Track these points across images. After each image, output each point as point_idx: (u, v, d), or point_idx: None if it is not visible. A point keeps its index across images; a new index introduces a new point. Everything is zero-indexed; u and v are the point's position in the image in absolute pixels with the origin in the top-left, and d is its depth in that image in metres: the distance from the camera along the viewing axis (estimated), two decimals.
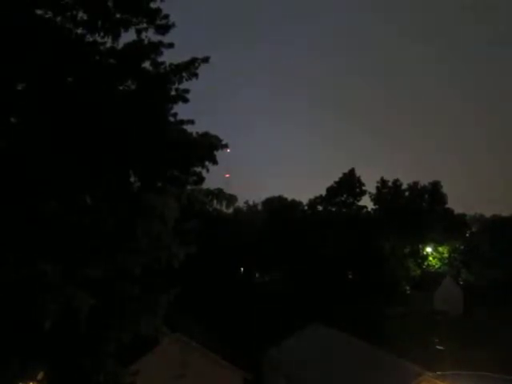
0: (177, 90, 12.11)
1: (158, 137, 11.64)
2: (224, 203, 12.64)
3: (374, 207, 72.68)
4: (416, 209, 69.61)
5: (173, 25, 11.58)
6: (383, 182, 72.99)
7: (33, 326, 8.70)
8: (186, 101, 12.32)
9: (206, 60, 11.84)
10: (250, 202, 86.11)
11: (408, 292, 64.04)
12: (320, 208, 71.57)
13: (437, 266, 69.83)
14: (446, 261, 70.38)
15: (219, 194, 12.58)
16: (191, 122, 12.54)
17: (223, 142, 12.37)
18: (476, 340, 37.13)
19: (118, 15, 11.29)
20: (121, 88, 11.90)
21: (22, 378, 10.18)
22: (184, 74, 11.79)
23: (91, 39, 11.50)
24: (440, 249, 70.25)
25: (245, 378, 26.38)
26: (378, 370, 24.22)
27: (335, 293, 50.73)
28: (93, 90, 11.11)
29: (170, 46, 11.74)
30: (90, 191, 11.33)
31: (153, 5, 11.44)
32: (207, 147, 12.16)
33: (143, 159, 11.72)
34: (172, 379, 23.16)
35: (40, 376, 11.30)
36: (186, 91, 12.20)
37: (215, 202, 12.73)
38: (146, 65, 11.87)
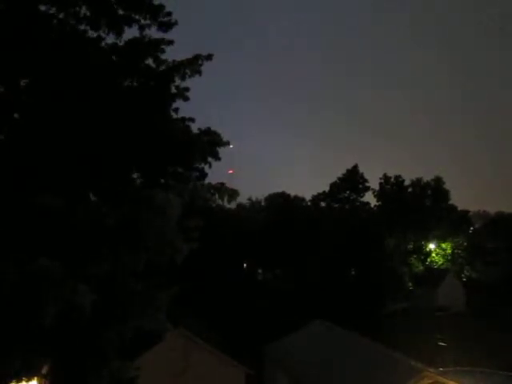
0: (177, 87, 12.12)
1: (161, 133, 11.66)
2: (226, 198, 12.63)
3: (377, 203, 72.66)
4: (419, 205, 69.51)
5: (175, 22, 11.59)
6: (386, 178, 72.87)
7: (36, 322, 8.75)
8: (186, 99, 12.33)
9: (209, 57, 11.84)
10: (253, 199, 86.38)
11: (411, 288, 64.03)
12: (323, 204, 71.53)
13: (440, 263, 69.77)
14: (449, 257, 70.31)
15: (221, 189, 12.58)
16: (192, 119, 12.58)
17: (225, 140, 12.41)
18: (478, 336, 37.13)
19: (120, 12, 11.29)
20: (124, 84, 11.93)
21: (25, 373, 10.24)
22: (187, 71, 11.79)
23: (95, 35, 11.51)
24: (443, 245, 70.20)
25: (247, 374, 26.46)
26: (379, 367, 24.24)
27: (337, 289, 50.76)
28: (95, 87, 11.13)
29: (170, 42, 11.74)
30: (93, 187, 11.37)
31: (155, 2, 11.45)
32: (209, 144, 12.18)
33: (146, 156, 11.75)
34: (174, 374, 23.26)
35: (44, 370, 11.37)
36: (187, 89, 12.20)
37: (217, 196, 12.73)
38: (149, 62, 11.89)
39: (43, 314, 8.41)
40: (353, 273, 60.14)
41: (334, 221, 60.23)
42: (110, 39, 11.56)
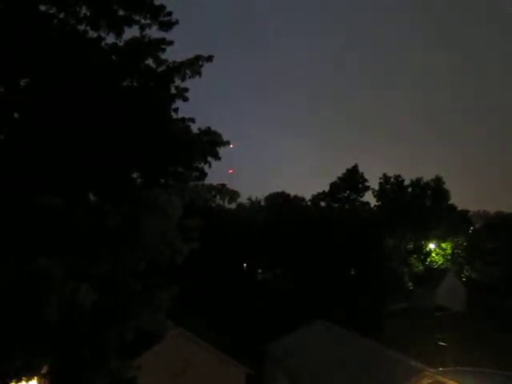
0: (177, 88, 12.13)
1: (161, 133, 11.67)
2: (226, 199, 12.63)
3: (376, 203, 72.68)
4: (419, 205, 69.50)
5: (176, 22, 11.60)
6: (386, 178, 72.86)
7: (36, 322, 8.76)
8: (185, 99, 12.35)
9: (209, 58, 11.85)
10: (253, 199, 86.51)
11: (411, 288, 64.04)
12: (323, 204, 71.56)
13: (440, 263, 69.77)
14: (449, 257, 70.32)
15: (222, 190, 12.57)
16: (192, 120, 12.59)
17: (225, 140, 12.42)
18: (478, 336, 37.11)
19: (121, 12, 11.30)
20: (124, 84, 11.93)
21: (25, 373, 10.24)
22: (187, 72, 11.81)
23: (95, 35, 11.52)
24: (443, 245, 70.19)
25: (247, 374, 26.46)
26: (379, 367, 24.26)
27: (337, 289, 50.78)
28: (95, 87, 11.13)
29: (170, 43, 11.76)
30: (93, 187, 11.38)
31: (156, 2, 11.45)
32: (209, 144, 12.19)
33: (146, 155, 11.75)
34: (174, 374, 23.28)
35: (44, 370, 11.37)
36: (186, 90, 12.22)
37: (218, 197, 12.72)
38: (149, 62, 11.89)
39: (44, 313, 8.42)
40: (353, 273, 60.17)
41: (333, 221, 60.22)
42: (111, 39, 11.58)
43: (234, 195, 12.54)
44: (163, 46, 11.68)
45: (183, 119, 12.54)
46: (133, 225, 10.40)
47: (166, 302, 12.15)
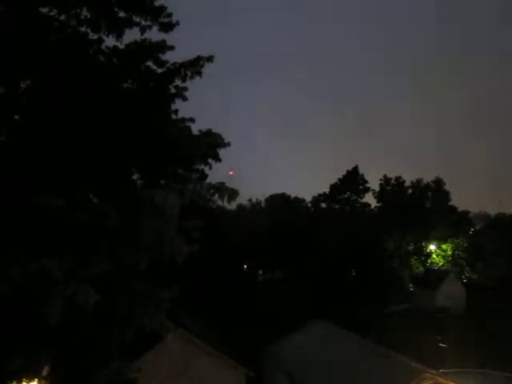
0: (176, 87, 12.14)
1: (161, 135, 11.67)
2: (226, 197, 12.58)
3: (377, 205, 72.68)
4: (419, 206, 69.49)
5: (177, 23, 11.61)
6: (386, 179, 72.86)
7: (37, 323, 8.77)
8: (184, 99, 12.36)
9: (210, 59, 11.85)
10: (254, 200, 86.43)
11: (411, 289, 64.01)
12: (323, 205, 71.59)
13: (440, 264, 69.72)
14: (450, 258, 70.25)
15: (221, 188, 12.53)
16: (192, 120, 12.58)
17: (226, 141, 12.40)
18: (478, 338, 37.12)
19: (121, 14, 11.31)
20: (124, 86, 11.95)
21: (26, 373, 10.26)
22: (188, 73, 11.82)
23: (96, 37, 11.53)
24: (443, 246, 70.14)
25: (247, 376, 26.42)
26: (379, 368, 24.24)
27: (338, 290, 50.80)
28: (95, 88, 11.16)
29: (171, 48, 11.79)
30: (93, 188, 11.40)
31: (156, 3, 11.47)
32: (210, 145, 12.19)
33: (146, 156, 11.76)
34: (174, 376, 23.26)
35: (45, 372, 11.38)
36: (185, 89, 12.23)
37: (217, 196, 12.68)
38: (150, 63, 11.90)
39: (47, 314, 8.43)
40: (353, 273, 60.17)
41: (334, 222, 60.24)
42: (111, 41, 11.61)
43: (232, 193, 12.47)
44: (163, 49, 11.70)
45: (183, 119, 12.55)
46: (130, 225, 10.41)
47: (167, 302, 12.16)
